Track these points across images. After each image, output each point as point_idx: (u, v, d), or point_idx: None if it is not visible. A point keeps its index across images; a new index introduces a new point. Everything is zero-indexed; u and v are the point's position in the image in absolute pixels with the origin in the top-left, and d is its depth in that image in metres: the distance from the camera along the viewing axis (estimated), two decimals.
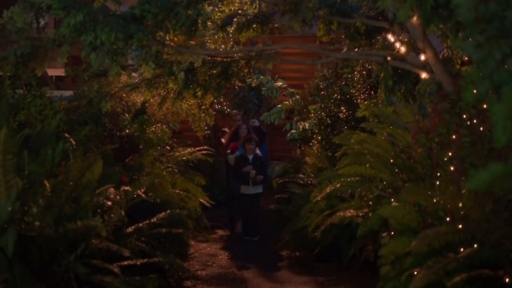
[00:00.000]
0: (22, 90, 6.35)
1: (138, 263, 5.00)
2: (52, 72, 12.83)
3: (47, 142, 5.44)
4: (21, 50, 5.39)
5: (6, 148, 4.50)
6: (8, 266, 4.03)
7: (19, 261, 4.12)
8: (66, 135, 5.77)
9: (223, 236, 9.00)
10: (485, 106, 4.27)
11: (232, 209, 9.48)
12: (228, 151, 9.17)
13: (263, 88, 10.90)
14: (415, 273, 3.94)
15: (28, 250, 4.29)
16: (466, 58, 5.77)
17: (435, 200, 4.08)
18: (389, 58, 5.32)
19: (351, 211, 5.98)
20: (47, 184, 4.64)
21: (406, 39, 5.32)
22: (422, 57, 5.01)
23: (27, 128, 5.54)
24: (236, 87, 11.28)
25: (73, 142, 5.59)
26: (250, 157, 8.84)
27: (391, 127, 5.94)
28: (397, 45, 5.36)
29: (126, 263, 4.89)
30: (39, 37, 5.60)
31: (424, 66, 5.01)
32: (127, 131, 7.65)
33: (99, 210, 5.12)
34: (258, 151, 9.02)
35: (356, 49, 6.24)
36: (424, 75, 4.99)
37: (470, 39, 2.31)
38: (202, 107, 7.17)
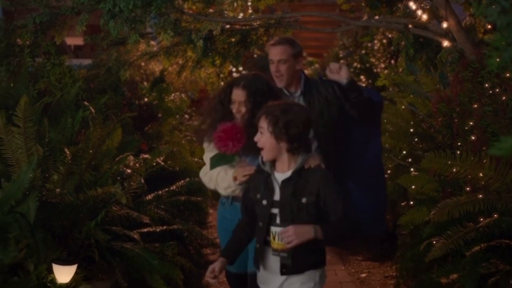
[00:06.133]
0: (41, 58, 6.37)
1: (158, 230, 5.05)
2: (71, 41, 12.85)
3: (67, 110, 5.46)
4: (40, 18, 5.39)
5: (27, 116, 4.53)
6: (30, 232, 4.08)
7: (41, 227, 4.17)
8: (86, 103, 5.79)
9: None
10: (508, 74, 4.21)
11: None
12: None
13: None
14: (434, 242, 3.94)
15: (49, 216, 4.34)
16: (489, 26, 5.67)
17: (455, 170, 4.05)
18: (410, 26, 5.24)
19: None
20: (68, 152, 4.67)
21: (428, 7, 5.23)
22: (444, 25, 4.93)
23: (46, 96, 5.56)
24: (255, 56, 11.22)
25: (93, 110, 5.61)
26: (281, 178, 3.13)
27: (411, 96, 5.88)
28: (419, 12, 5.27)
29: (145, 230, 4.94)
30: (58, 5, 5.58)
31: (446, 34, 4.93)
32: (146, 99, 7.65)
33: (118, 178, 5.16)
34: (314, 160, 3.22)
35: (376, 17, 6.15)
36: (446, 43, 4.91)
37: (494, 6, 2.26)
38: (221, 75, 7.13)
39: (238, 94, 3.53)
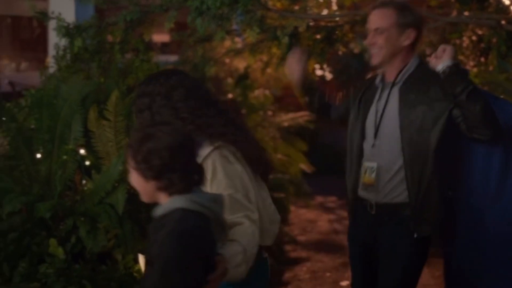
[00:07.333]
0: (130, 55, 6.54)
1: None
2: (157, 37, 13.16)
3: None
4: (130, 15, 5.53)
5: (117, 110, 4.68)
6: (118, 222, 4.22)
7: (128, 218, 4.29)
8: None
9: (322, 202, 8.99)
10: None
11: None
12: None
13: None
14: None
15: (137, 208, 4.45)
16: None
17: None
18: (503, 22, 5.05)
19: None
20: None
21: None
22: None
23: (135, 92, 5.71)
24: (340, 53, 11.11)
25: None
26: None
27: (503, 95, 5.68)
28: None
29: None
30: (147, 3, 5.72)
31: None
32: (230, 95, 7.74)
33: None
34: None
35: (466, 13, 5.97)
36: None
37: None
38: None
39: None
